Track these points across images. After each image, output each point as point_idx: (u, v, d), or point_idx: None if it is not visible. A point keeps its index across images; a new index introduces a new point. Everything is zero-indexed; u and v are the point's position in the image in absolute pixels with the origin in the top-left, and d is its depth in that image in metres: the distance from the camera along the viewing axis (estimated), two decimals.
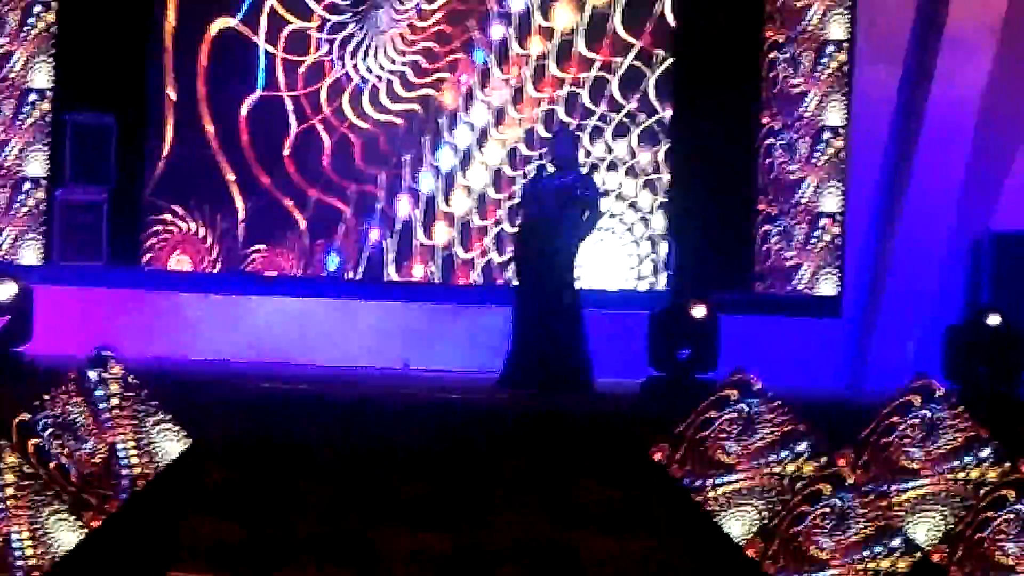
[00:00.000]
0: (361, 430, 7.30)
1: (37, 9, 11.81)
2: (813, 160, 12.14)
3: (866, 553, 7.33)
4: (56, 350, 9.38)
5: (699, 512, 7.32)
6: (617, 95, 12.20)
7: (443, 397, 8.66)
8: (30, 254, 11.85)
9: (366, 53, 12.16)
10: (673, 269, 11.99)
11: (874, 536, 7.41)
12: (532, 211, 9.91)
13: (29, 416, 6.89)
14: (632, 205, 12.17)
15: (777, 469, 7.49)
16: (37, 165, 11.83)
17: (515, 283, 10.18)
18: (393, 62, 12.18)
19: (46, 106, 11.82)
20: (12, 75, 11.79)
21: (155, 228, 12.05)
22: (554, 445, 7.37)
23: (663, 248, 12.14)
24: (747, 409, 7.48)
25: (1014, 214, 12.04)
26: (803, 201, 12.11)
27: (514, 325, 9.77)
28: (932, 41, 11.92)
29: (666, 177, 12.18)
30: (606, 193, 11.51)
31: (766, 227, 12.12)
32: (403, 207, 12.18)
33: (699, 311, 9.36)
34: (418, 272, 12.18)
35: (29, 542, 6.92)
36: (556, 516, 7.00)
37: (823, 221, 12.14)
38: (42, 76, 11.82)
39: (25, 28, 11.80)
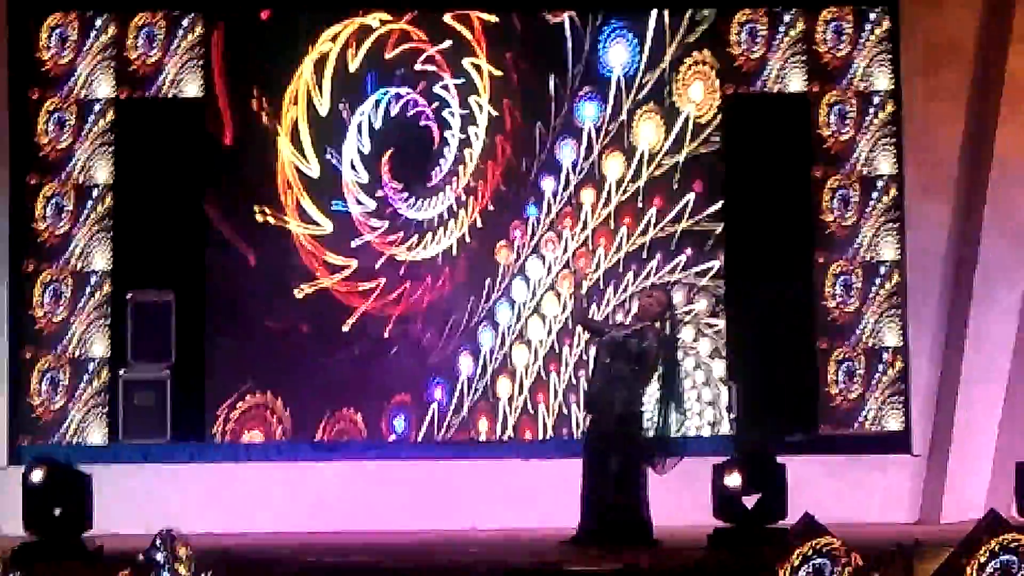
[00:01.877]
0: None
1: (95, 193, 12.01)
2: (871, 296, 12.12)
3: None
4: (124, 529, 9.42)
5: None
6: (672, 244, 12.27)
7: (510, 562, 8.58)
8: (96, 434, 11.93)
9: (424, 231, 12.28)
10: (736, 413, 11.92)
11: None
12: (603, 363, 9.91)
13: None
14: (692, 352, 12.14)
15: None
16: (99, 345, 11.96)
17: (583, 435, 10.15)
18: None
19: (107, 287, 11.98)
20: (72, 258, 11.97)
21: (221, 404, 12.09)
22: None
23: (724, 394, 12.08)
24: (818, 563, 7.41)
25: None
26: (864, 337, 12.07)
27: (586, 479, 9.71)
28: (982, 170, 11.93)
29: (723, 322, 12.16)
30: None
31: (828, 366, 12.05)
32: (465, 364, 12.21)
33: (733, 480, 9.24)
34: (483, 427, 12.16)
35: None
36: None
37: (885, 356, 12.08)
38: (101, 257, 11.99)
39: (84, 211, 12.00)
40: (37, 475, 8.62)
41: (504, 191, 12.31)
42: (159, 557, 6.95)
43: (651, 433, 9.74)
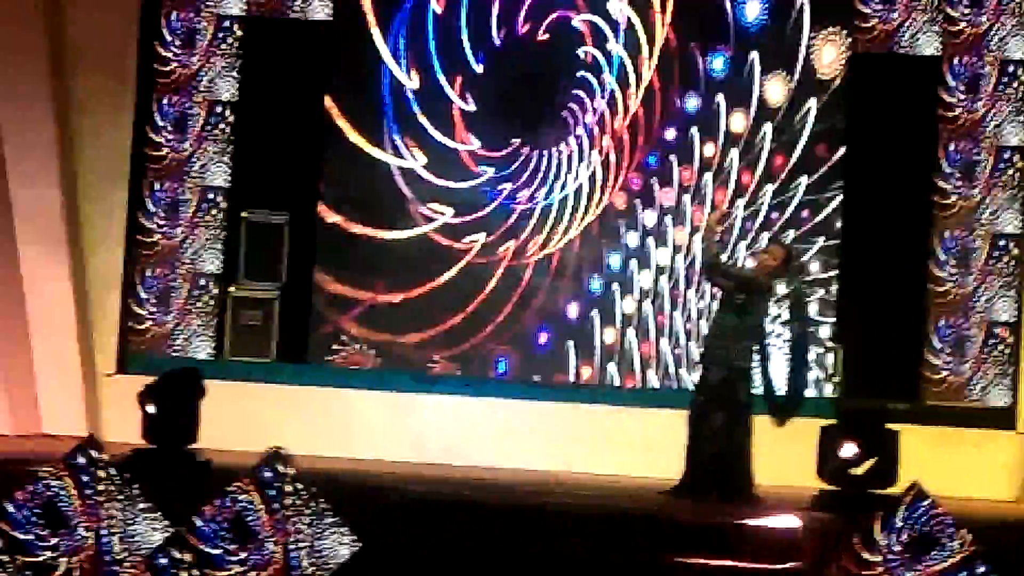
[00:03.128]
0: (531, 538, 7.25)
1: (219, 110, 12.08)
2: (988, 268, 11.94)
3: None
4: (222, 445, 9.52)
5: None
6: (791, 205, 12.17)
7: (613, 505, 8.59)
8: (202, 349, 12.05)
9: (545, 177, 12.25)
10: (841, 377, 11.81)
11: None
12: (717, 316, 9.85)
13: (204, 514, 6.98)
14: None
15: None
16: (212, 261, 12.06)
17: (696, 385, 10.08)
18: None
19: (223, 205, 12.07)
20: (192, 174, 12.06)
21: (324, 327, 12.17)
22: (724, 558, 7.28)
23: (830, 357, 11.97)
24: (918, 529, 7.35)
25: None
26: (977, 310, 11.91)
27: (691, 432, 9.68)
28: None
29: (835, 286, 12.05)
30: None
31: (937, 336, 11.91)
32: (573, 309, 12.20)
33: (848, 450, 9.18)
34: (585, 374, 12.15)
35: None
36: None
37: (997, 330, 11.91)
38: (220, 175, 12.08)
39: (206, 129, 12.07)
40: (157, 397, 8.69)
41: (624, 139, 12.24)
42: (267, 475, 7.02)
43: (775, 391, 9.75)
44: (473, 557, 7.32)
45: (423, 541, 7.31)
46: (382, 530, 7.28)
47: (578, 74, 12.20)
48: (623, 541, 7.54)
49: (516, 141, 12.17)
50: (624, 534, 7.63)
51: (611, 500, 8.95)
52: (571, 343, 12.14)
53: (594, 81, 12.22)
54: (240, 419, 11.12)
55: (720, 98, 12.17)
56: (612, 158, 12.25)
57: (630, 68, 12.21)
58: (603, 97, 12.21)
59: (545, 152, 12.21)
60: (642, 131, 12.24)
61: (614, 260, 12.22)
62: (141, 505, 7.00)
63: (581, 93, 12.22)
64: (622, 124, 12.22)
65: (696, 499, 9.33)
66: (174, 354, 11.95)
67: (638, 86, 12.21)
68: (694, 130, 12.18)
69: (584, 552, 7.35)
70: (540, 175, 12.22)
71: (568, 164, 12.24)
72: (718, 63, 12.20)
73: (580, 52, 12.20)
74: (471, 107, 12.20)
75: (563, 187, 12.22)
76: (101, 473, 7.01)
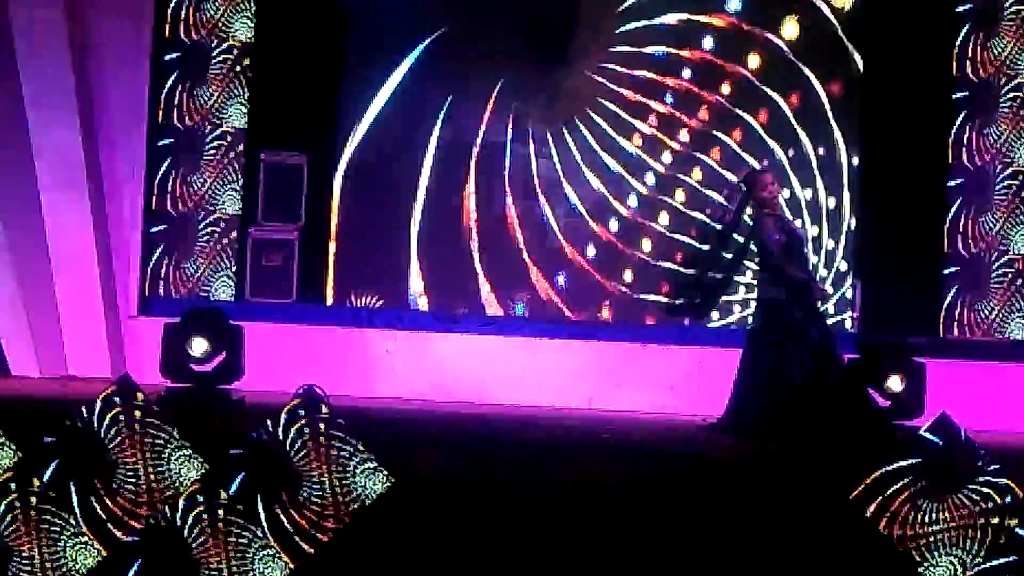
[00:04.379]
0: (570, 472, 7.28)
1: (235, 52, 12.07)
2: (1004, 201, 11.94)
3: None
4: (248, 385, 9.58)
5: (906, 565, 7.23)
6: (805, 142, 12.15)
7: (658, 440, 8.60)
8: (222, 290, 12.09)
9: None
10: (859, 310, 11.85)
11: None
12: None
13: (242, 452, 7.01)
14: (818, 247, 12.08)
15: (981, 521, 7.38)
16: (231, 203, 12.08)
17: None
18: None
19: (240, 146, 12.07)
20: (210, 115, 12.07)
21: (343, 265, 12.20)
22: (762, 493, 7.32)
23: (848, 291, 12.01)
24: (947, 458, 7.39)
25: None
26: (994, 243, 11.92)
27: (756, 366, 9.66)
28: None
29: (852, 221, 12.06)
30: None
31: (955, 268, 11.93)
32: (590, 250, 12.22)
33: (895, 383, 9.22)
34: (604, 313, 12.19)
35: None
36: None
37: (1017, 264, 11.93)
38: (237, 116, 12.07)
39: (223, 71, 12.06)
40: (199, 345, 8.71)
41: (639, 78, 12.23)
42: (301, 412, 7.05)
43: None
44: (512, 491, 7.35)
45: (457, 477, 7.35)
46: (413, 466, 7.32)
47: None
48: (670, 476, 7.55)
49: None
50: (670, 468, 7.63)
51: (650, 435, 8.96)
52: (590, 282, 12.19)
53: None
54: (262, 360, 11.18)
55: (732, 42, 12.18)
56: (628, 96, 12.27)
57: None
58: None
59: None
60: (655, 70, 12.25)
61: (632, 200, 12.24)
62: (177, 443, 7.04)
63: None
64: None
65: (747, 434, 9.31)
66: (197, 295, 11.99)
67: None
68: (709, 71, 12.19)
69: (626, 486, 7.37)
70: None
71: None
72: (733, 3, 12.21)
73: None
74: None
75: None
76: (137, 413, 7.05)
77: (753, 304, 9.95)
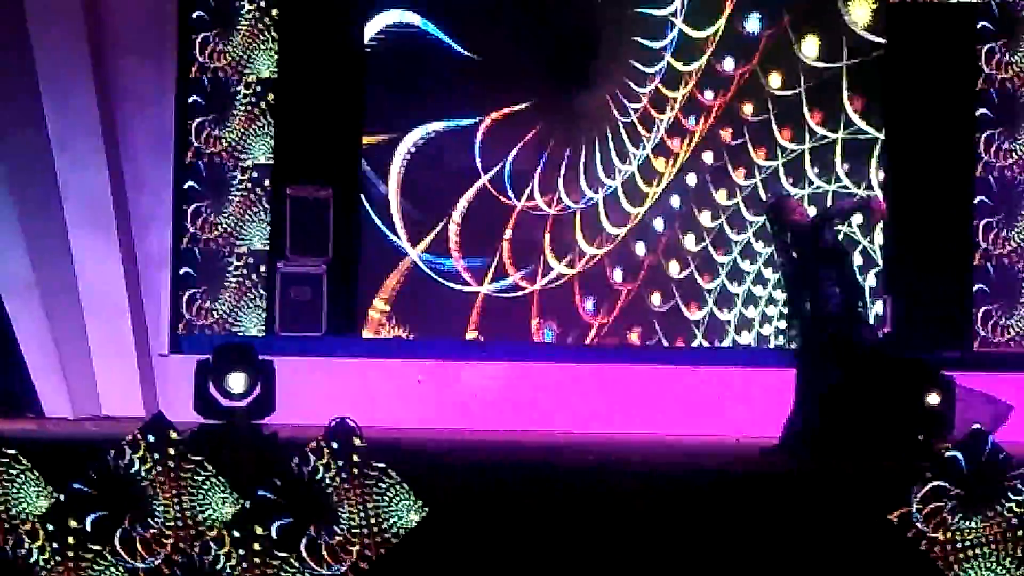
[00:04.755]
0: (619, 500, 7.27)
1: (258, 88, 12.13)
2: None
3: None
4: (280, 420, 9.60)
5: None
6: (839, 164, 12.17)
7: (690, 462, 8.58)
8: (252, 326, 12.14)
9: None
10: (891, 326, 11.82)
11: None
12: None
13: (274, 486, 7.05)
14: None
15: (1020, 534, 7.37)
16: (258, 238, 12.14)
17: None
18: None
19: (266, 181, 12.13)
20: (235, 151, 12.13)
21: (375, 300, 12.25)
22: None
23: (879, 306, 11.99)
24: (981, 473, 7.40)
25: None
26: (1021, 255, 11.91)
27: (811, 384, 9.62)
28: None
29: (881, 236, 12.05)
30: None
31: (985, 281, 11.91)
32: (618, 274, 12.24)
33: (933, 399, 9.23)
34: (635, 338, 12.20)
35: None
36: None
37: None
38: (262, 151, 12.13)
39: (247, 107, 12.13)
40: (237, 381, 8.76)
41: (664, 99, 12.27)
42: (335, 445, 7.09)
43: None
44: (553, 520, 7.35)
45: (496, 507, 7.36)
46: (449, 495, 7.34)
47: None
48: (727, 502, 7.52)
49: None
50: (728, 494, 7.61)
51: (701, 461, 8.95)
52: (617, 305, 12.21)
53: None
54: (292, 394, 11.20)
55: (756, 58, 12.19)
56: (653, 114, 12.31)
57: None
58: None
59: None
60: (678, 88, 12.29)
61: (657, 223, 12.26)
62: (213, 480, 7.08)
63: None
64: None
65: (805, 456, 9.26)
66: (227, 331, 12.04)
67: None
68: (731, 89, 12.21)
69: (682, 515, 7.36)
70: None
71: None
72: (753, 24, 12.23)
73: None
74: None
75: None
76: (171, 450, 7.09)
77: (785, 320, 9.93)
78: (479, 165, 12.26)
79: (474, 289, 12.21)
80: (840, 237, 9.92)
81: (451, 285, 12.25)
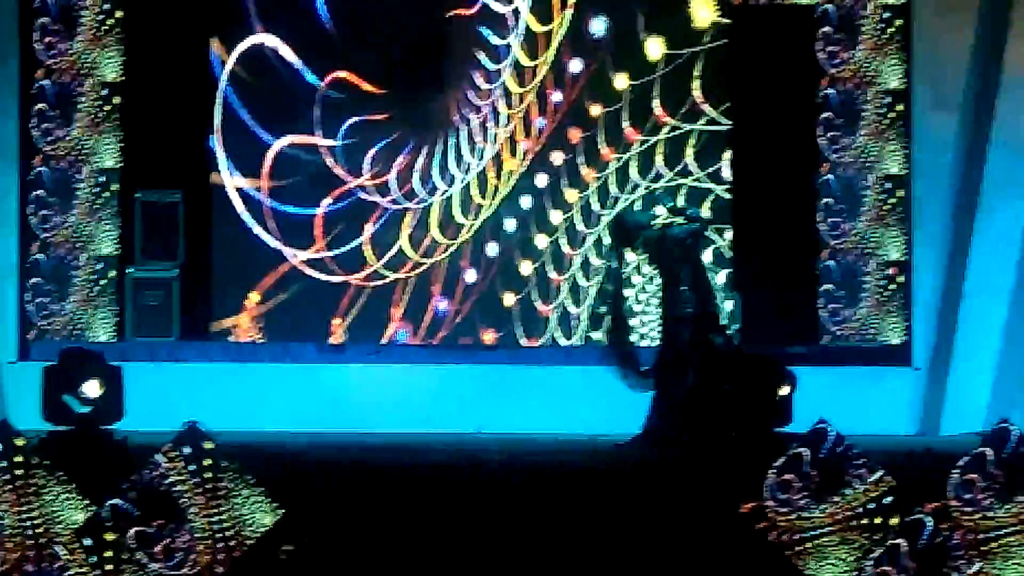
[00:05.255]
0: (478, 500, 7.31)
1: (104, 92, 11.98)
2: (876, 210, 12.17)
3: None
4: (132, 426, 9.49)
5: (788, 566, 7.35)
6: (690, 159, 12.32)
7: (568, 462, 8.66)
8: (103, 332, 11.98)
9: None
10: (740, 324, 12.00)
11: None
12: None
13: (124, 491, 6.98)
14: None
15: (864, 522, 7.54)
16: (108, 244, 11.99)
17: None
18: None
19: (114, 185, 11.98)
20: (82, 156, 11.96)
21: (224, 301, 12.16)
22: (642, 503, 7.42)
23: (729, 304, 12.17)
24: (830, 462, 7.56)
25: None
26: (867, 251, 12.15)
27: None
28: (990, 84, 11.98)
29: (728, 234, 12.23)
30: None
31: (831, 278, 12.13)
32: (470, 274, 12.28)
33: (785, 390, 9.41)
34: (488, 337, 12.25)
35: None
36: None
37: (889, 269, 12.15)
38: (110, 156, 11.99)
39: (91, 109, 11.97)
40: (92, 387, 8.66)
41: (511, 95, 12.34)
42: (187, 450, 7.04)
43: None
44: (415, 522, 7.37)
45: (354, 508, 7.35)
46: (306, 497, 7.33)
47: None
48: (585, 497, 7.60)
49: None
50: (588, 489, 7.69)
51: (558, 457, 9.02)
52: (472, 307, 12.25)
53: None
54: (145, 399, 11.08)
55: (607, 59, 12.30)
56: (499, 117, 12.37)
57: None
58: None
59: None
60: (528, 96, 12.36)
61: (509, 224, 12.32)
62: (61, 487, 6.99)
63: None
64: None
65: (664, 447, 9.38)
66: (75, 338, 11.86)
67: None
68: (583, 91, 12.30)
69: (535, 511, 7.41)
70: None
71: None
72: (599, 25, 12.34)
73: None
74: None
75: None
76: (18, 458, 6.99)
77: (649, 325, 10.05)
78: (343, 167, 12.20)
79: (341, 279, 12.13)
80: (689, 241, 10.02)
81: (321, 277, 12.14)
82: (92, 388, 8.69)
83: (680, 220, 10.12)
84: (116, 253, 11.98)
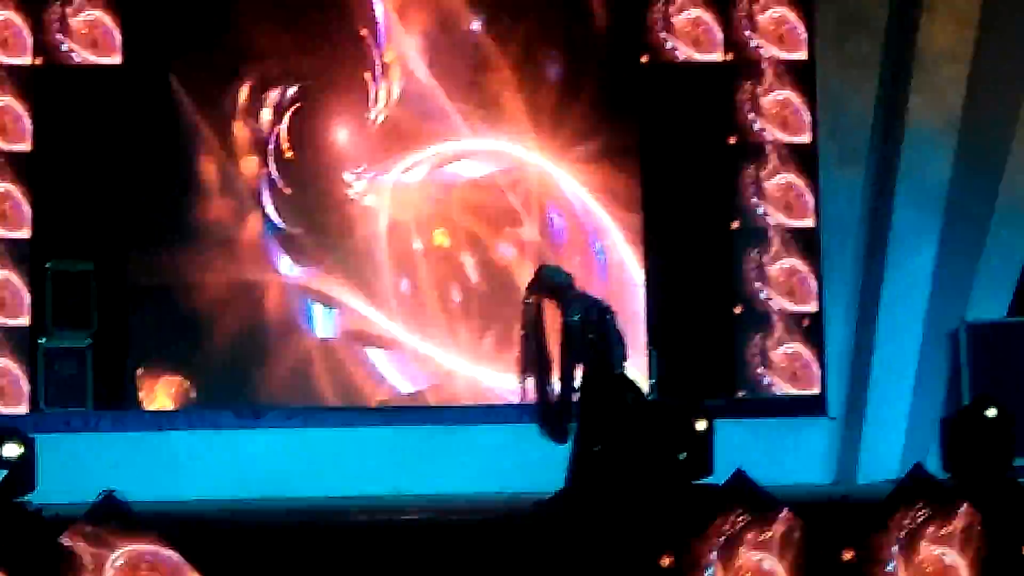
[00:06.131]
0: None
1: (15, 161, 11.90)
2: (787, 263, 12.30)
3: None
4: (48, 499, 9.39)
5: None
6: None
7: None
8: (16, 403, 11.84)
9: None
10: (656, 378, 12.07)
11: None
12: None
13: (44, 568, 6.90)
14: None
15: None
16: (20, 314, 11.87)
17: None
18: None
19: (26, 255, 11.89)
20: None
21: (140, 369, 12.07)
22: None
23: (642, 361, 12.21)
24: (752, 513, 7.62)
25: (986, 304, 12.25)
26: (780, 303, 12.26)
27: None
28: (894, 138, 12.19)
29: (642, 290, 12.30)
30: None
31: (745, 331, 12.24)
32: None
33: (701, 425, 9.49)
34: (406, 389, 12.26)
35: None
36: None
37: (803, 321, 12.27)
38: (21, 226, 11.90)
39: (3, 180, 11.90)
40: (11, 449, 8.59)
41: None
42: (101, 519, 6.97)
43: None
44: None
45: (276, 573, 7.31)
46: (225, 565, 7.27)
47: None
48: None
49: None
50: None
51: (478, 515, 9.02)
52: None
53: None
54: (62, 470, 10.96)
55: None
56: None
57: None
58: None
59: None
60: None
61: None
62: None
63: None
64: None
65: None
66: None
67: None
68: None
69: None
70: None
71: None
72: None
73: None
74: None
75: None
76: None
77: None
78: None
79: None
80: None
81: None
82: (11, 449, 8.62)
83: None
84: (28, 324, 11.85)
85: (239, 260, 12.15)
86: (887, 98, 12.26)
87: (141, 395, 12.03)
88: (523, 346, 9.81)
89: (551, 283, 9.93)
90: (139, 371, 12.05)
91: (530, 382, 9.73)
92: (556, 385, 9.70)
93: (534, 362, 9.72)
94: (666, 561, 7.40)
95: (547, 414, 9.75)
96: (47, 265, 11.87)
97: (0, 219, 11.87)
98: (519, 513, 9.22)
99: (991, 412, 9.84)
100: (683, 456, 9.61)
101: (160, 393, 12.08)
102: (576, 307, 9.78)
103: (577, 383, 9.69)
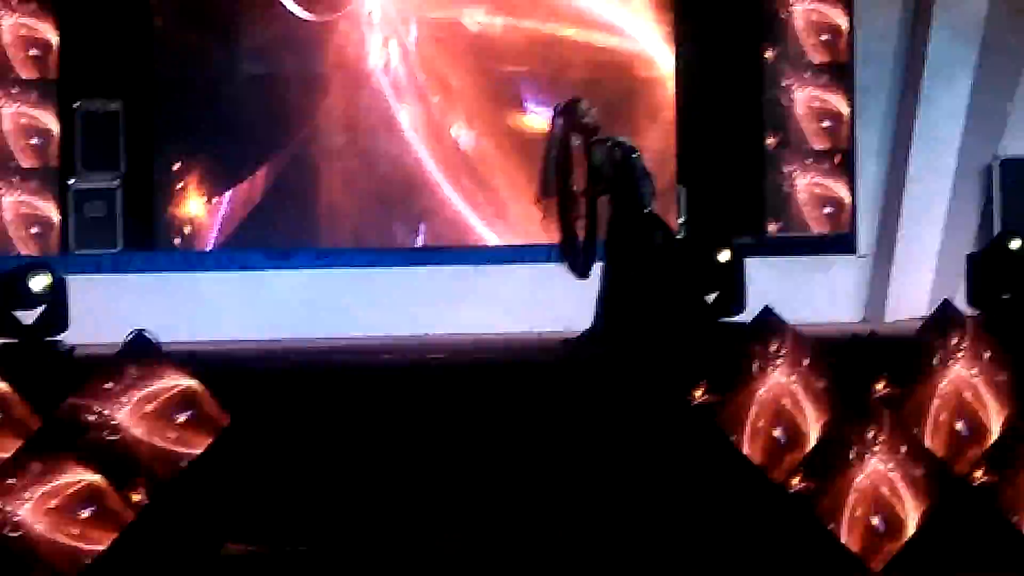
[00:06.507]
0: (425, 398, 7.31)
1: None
2: (819, 97, 12.16)
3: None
4: (79, 339, 9.46)
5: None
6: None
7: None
8: (46, 245, 11.87)
9: None
10: (686, 215, 12.02)
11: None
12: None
13: (73, 405, 6.97)
14: None
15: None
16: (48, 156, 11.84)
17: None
18: None
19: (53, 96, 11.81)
20: (18, 68, 11.78)
21: (171, 209, 12.06)
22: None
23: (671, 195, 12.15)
24: (780, 349, 7.64)
25: (1020, 140, 12.14)
26: (811, 138, 12.16)
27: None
28: None
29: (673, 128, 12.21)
30: None
31: (776, 167, 12.16)
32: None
33: (724, 255, 9.46)
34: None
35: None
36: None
37: (835, 157, 12.17)
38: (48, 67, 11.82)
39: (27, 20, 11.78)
40: (40, 281, 8.63)
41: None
42: (132, 359, 7.02)
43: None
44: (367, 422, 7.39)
45: (304, 414, 7.37)
46: (258, 405, 7.34)
47: None
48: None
49: None
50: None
51: (506, 356, 9.06)
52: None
53: None
54: (92, 312, 11.02)
55: None
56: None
57: None
58: None
59: None
60: None
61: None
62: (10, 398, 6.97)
63: None
64: None
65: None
66: (17, 253, 11.74)
67: None
68: None
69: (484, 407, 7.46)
70: None
71: None
72: None
73: None
74: None
75: None
76: None
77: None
78: None
79: None
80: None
81: None
82: (39, 282, 8.66)
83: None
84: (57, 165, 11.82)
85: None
86: None
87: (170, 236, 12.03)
88: (543, 171, 9.79)
89: (581, 121, 9.85)
90: (168, 213, 12.04)
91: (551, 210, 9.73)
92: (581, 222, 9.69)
93: (558, 197, 9.71)
94: (697, 394, 7.44)
95: (570, 248, 9.74)
96: (75, 105, 11.81)
97: (26, 61, 11.79)
98: (548, 352, 9.27)
99: (1015, 244, 9.81)
100: (714, 294, 9.62)
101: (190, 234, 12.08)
102: (600, 149, 9.74)
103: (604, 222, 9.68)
